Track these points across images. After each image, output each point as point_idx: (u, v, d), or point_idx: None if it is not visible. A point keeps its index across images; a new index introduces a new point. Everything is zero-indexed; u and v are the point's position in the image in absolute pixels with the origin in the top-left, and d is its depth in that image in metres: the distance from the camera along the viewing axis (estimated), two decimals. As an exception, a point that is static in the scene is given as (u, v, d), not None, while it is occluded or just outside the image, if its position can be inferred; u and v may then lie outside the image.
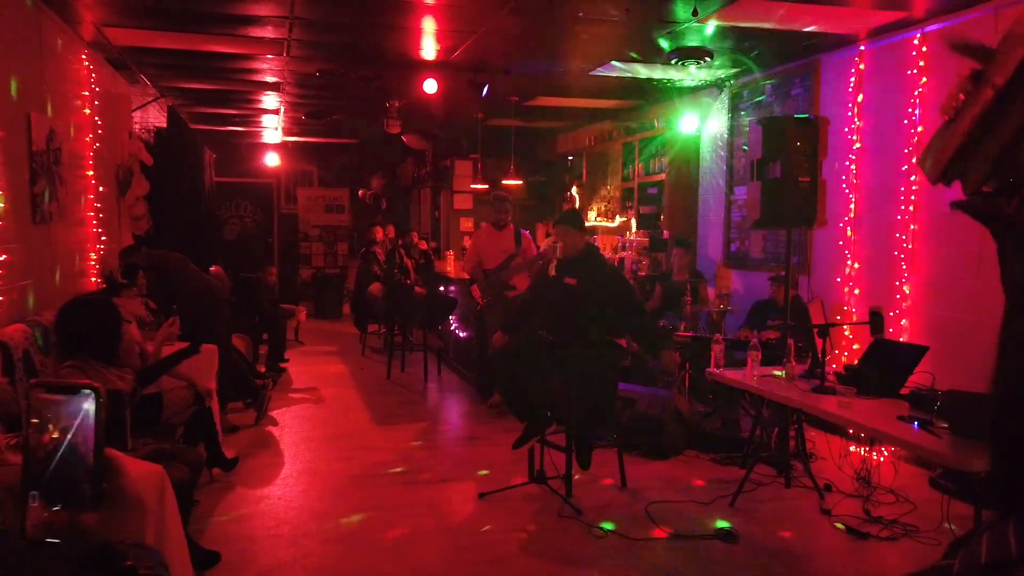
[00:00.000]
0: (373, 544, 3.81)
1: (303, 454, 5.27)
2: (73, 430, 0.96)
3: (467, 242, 9.02)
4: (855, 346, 5.48)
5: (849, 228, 5.68)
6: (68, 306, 3.47)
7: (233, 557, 3.58)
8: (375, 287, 9.13)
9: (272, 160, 12.42)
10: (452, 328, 8.20)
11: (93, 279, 5.60)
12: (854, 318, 5.54)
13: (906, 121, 5.17)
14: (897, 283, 5.21)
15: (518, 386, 4.46)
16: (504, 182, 8.96)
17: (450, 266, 9.39)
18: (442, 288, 8.39)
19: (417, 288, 8.55)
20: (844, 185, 5.64)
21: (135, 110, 7.18)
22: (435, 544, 3.81)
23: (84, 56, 5.53)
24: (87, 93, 5.58)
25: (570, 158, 10.37)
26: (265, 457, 5.15)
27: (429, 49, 5.82)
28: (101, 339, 3.36)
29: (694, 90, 7.49)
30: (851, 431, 4.79)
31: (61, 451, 0.96)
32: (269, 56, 6.08)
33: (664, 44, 5.58)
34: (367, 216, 12.27)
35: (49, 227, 4.61)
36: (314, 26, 5.21)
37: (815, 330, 3.96)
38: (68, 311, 3.41)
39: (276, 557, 3.64)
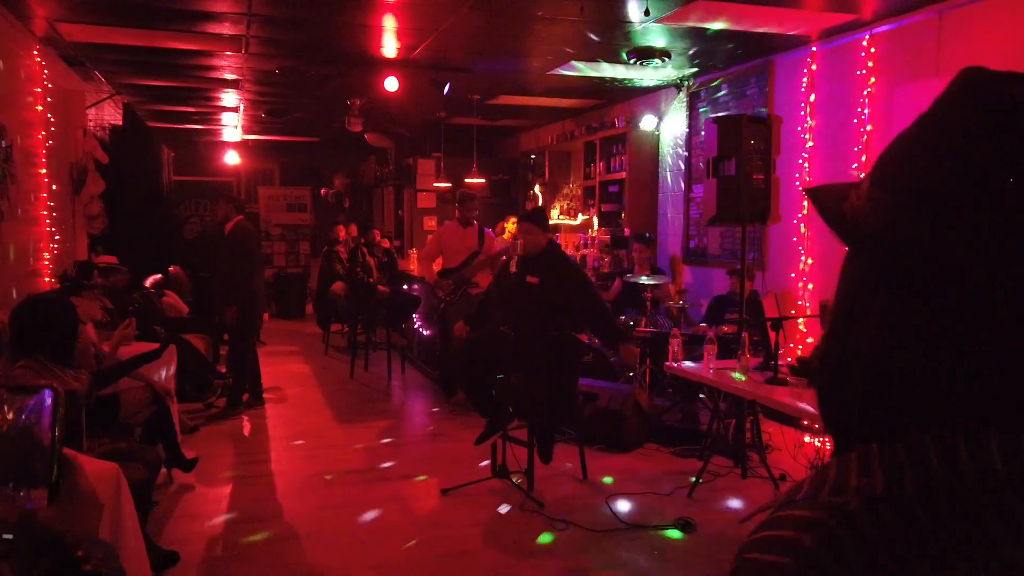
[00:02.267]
0: (336, 540, 3.81)
1: (265, 453, 5.24)
2: (28, 411, 0.97)
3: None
4: (809, 340, 5.63)
5: (803, 225, 5.83)
6: (23, 304, 3.42)
7: (192, 556, 3.56)
8: (338, 286, 9.09)
9: (232, 159, 12.26)
10: (416, 326, 8.20)
11: (47, 279, 5.50)
12: (808, 312, 5.69)
13: (856, 120, 5.32)
14: (848, 278, 5.35)
15: (480, 382, 4.50)
16: (467, 180, 8.98)
17: (414, 265, 9.37)
18: (405, 286, 8.39)
19: (380, 287, 8.53)
20: (797, 183, 5.78)
21: (90, 107, 7.05)
22: (398, 538, 3.83)
23: (36, 52, 5.42)
24: (39, 90, 5.48)
25: (532, 157, 10.43)
26: (225, 457, 5.11)
27: (390, 47, 5.82)
28: (56, 339, 3.31)
29: (654, 90, 7.60)
30: (805, 422, 4.92)
31: (15, 431, 0.97)
32: (228, 53, 6.02)
33: (621, 44, 5.67)
34: (330, 215, 12.19)
35: (0, 225, 4.52)
36: (273, 23, 5.18)
37: (768, 323, 4.06)
38: (23, 310, 3.36)
39: (237, 553, 3.63)
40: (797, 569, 0.49)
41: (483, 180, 9.55)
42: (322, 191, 13.12)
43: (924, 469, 0.50)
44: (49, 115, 5.60)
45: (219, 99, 8.43)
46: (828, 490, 0.53)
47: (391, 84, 6.37)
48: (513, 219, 8.18)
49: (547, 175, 9.84)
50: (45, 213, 5.55)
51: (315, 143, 12.30)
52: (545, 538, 3.85)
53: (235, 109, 9.13)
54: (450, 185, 9.43)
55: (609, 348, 5.36)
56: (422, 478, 4.71)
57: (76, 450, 3.01)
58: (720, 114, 6.26)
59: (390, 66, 6.33)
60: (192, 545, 3.68)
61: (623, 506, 4.21)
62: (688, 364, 4.50)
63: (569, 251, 8.56)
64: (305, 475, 4.77)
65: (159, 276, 8.03)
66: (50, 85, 5.64)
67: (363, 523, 4.02)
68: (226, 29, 5.25)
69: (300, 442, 5.50)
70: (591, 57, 6.15)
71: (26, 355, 3.25)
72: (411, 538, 3.83)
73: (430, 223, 11.03)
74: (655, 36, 5.49)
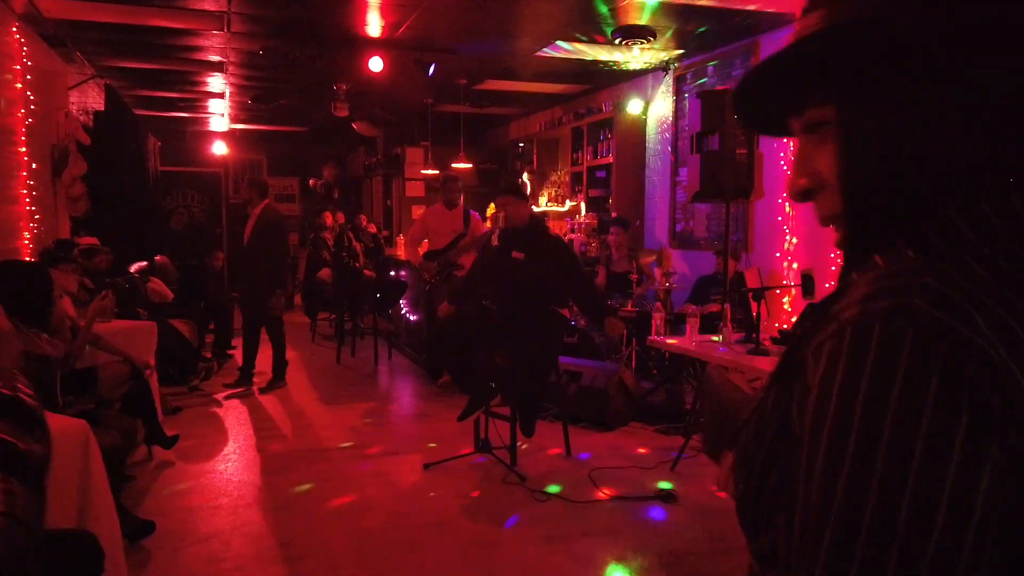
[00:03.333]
0: (315, 512, 3.78)
1: (246, 432, 5.20)
2: None
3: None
4: (793, 319, 5.61)
5: (788, 204, 5.82)
6: (-1, 267, 3.39)
7: (170, 527, 3.53)
8: (324, 272, 9.05)
9: (220, 148, 12.19)
10: (403, 312, 8.17)
11: (27, 259, 5.44)
12: (792, 292, 5.69)
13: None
14: (832, 255, 5.36)
15: (462, 358, 4.47)
16: (454, 165, 8.96)
17: (401, 251, 9.34)
18: (392, 272, 8.36)
19: (367, 272, 8.50)
20: (782, 161, 5.78)
21: (72, 88, 6.99)
22: (378, 511, 3.80)
23: (15, 29, 5.36)
24: (19, 67, 5.41)
25: (521, 145, 10.41)
26: (208, 436, 5.07)
27: (374, 25, 5.78)
28: (32, 302, 3.28)
29: (640, 73, 7.58)
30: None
31: None
32: (211, 32, 5.98)
33: (606, 22, 5.65)
34: (318, 206, 12.13)
35: (-23, 200, 4.47)
36: (254, -1, 5.14)
37: (749, 293, 4.05)
38: (-2, 272, 3.33)
39: (214, 526, 3.59)
40: (925, 300, 0.54)
41: (470, 165, 9.52)
42: (311, 182, 13.06)
43: (987, 223, 0.57)
44: (29, 93, 5.54)
45: (205, 83, 8.37)
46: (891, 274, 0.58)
47: (375, 64, 6.33)
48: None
49: (535, 162, 9.82)
50: (24, 192, 5.49)
51: (303, 133, 12.23)
52: (525, 509, 3.83)
53: (221, 95, 9.07)
54: (438, 172, 9.40)
55: (594, 323, 5.33)
56: (404, 455, 4.69)
57: (51, 409, 2.97)
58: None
59: (375, 46, 6.29)
60: (170, 518, 3.65)
61: (606, 479, 4.20)
62: (671, 339, 4.49)
63: (556, 237, 8.56)
64: (287, 453, 4.74)
65: (144, 263, 7.98)
66: (30, 63, 5.58)
67: (343, 497, 3.99)
68: (207, 4, 5.21)
69: (284, 423, 5.47)
70: (576, 36, 6.12)
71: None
72: (391, 511, 3.80)
73: (419, 212, 10.98)
74: (639, 13, 5.47)
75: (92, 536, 2.10)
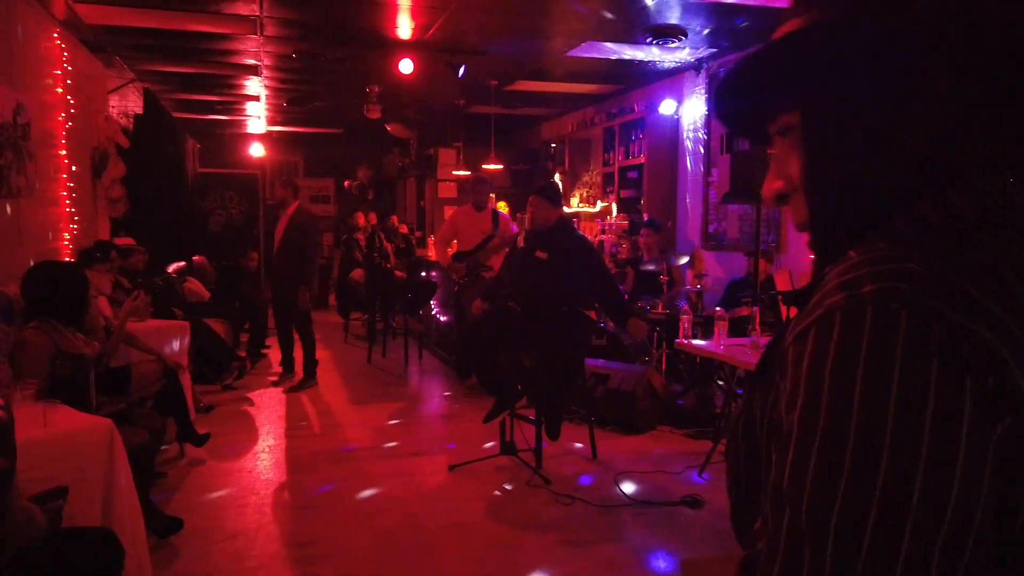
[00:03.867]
0: (339, 512, 3.81)
1: (276, 431, 5.27)
2: None
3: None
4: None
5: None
6: (35, 267, 3.50)
7: (198, 524, 3.58)
8: (357, 273, 9.13)
9: (257, 150, 12.37)
10: (433, 312, 8.20)
11: (67, 259, 5.58)
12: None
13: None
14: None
15: (488, 358, 4.46)
16: (484, 167, 8.97)
17: (432, 251, 9.38)
18: (423, 273, 8.39)
19: (397, 272, 8.55)
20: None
21: (112, 92, 7.15)
22: (400, 511, 3.81)
23: (56, 35, 5.50)
24: (59, 72, 5.55)
25: (553, 145, 10.38)
26: (238, 434, 5.14)
27: (404, 27, 5.81)
28: (67, 301, 3.36)
29: (673, 73, 7.50)
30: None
31: None
32: (245, 36, 6.06)
33: (637, 21, 5.59)
34: (353, 207, 12.24)
35: (18, 201, 4.59)
36: (286, 2, 5.19)
37: (779, 296, 3.97)
38: (35, 272, 3.43)
39: (241, 524, 3.64)
40: (913, 285, 0.52)
41: (501, 166, 9.52)
42: (345, 183, 13.19)
43: (980, 201, 0.56)
44: (69, 97, 5.68)
45: (241, 87, 8.50)
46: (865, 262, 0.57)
47: (406, 66, 6.36)
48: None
49: (567, 163, 9.78)
50: (64, 194, 5.63)
51: (338, 135, 12.36)
52: (549, 512, 3.81)
53: (256, 98, 9.20)
54: (469, 173, 9.42)
55: (617, 324, 5.27)
56: (430, 456, 4.70)
57: (86, 408, 3.04)
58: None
59: (405, 48, 6.32)
60: (198, 514, 3.71)
61: (631, 484, 4.15)
62: (699, 342, 4.42)
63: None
64: (315, 452, 4.79)
65: (183, 263, 8.13)
66: (70, 68, 5.72)
67: (367, 497, 4.01)
68: (240, 9, 5.28)
69: (313, 422, 5.53)
70: (606, 36, 6.08)
71: (38, 316, 3.30)
72: (414, 511, 3.81)
73: (451, 212, 11.03)
74: (671, 12, 5.41)
75: (113, 534, 2.13)
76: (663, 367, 6.02)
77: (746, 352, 3.99)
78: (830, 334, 0.54)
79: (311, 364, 6.65)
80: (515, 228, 6.63)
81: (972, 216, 0.56)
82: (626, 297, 5.86)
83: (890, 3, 0.57)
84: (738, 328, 4.80)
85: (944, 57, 0.55)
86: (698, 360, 5.61)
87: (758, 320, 4.12)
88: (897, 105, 0.57)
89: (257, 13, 5.36)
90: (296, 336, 6.63)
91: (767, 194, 0.70)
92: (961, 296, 0.53)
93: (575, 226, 5.42)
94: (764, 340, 4.10)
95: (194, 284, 7.93)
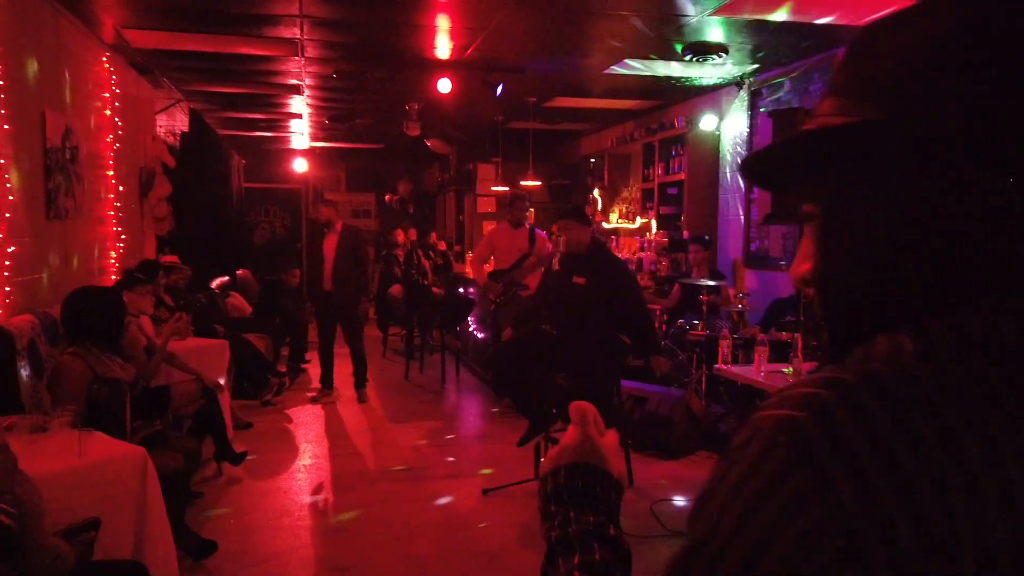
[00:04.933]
0: (372, 536, 3.80)
1: (313, 450, 5.29)
2: None
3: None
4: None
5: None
6: (73, 294, 3.56)
7: (232, 547, 3.60)
8: (395, 289, 9.18)
9: (300, 166, 12.58)
10: (470, 329, 8.19)
11: (113, 277, 5.71)
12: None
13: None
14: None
15: (522, 382, 4.42)
16: (522, 183, 8.96)
17: (470, 268, 9.39)
18: (461, 289, 8.39)
19: (435, 288, 8.56)
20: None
21: (159, 112, 7.33)
22: (432, 536, 3.79)
23: (105, 59, 5.66)
24: (107, 95, 5.71)
25: (592, 160, 10.33)
26: (276, 452, 5.18)
27: (442, 47, 5.84)
28: (103, 326, 3.42)
29: (714, 89, 7.40)
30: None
31: None
32: (287, 58, 6.16)
33: (676, 39, 5.52)
34: (394, 221, 12.35)
35: (65, 223, 4.71)
36: (326, 25, 5.26)
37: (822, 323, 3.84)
38: (73, 298, 3.50)
39: (274, 547, 3.65)
40: (813, 421, 0.47)
41: (539, 183, 9.50)
42: (386, 197, 13.32)
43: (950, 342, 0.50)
44: (117, 119, 5.83)
45: (285, 105, 8.65)
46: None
47: (444, 86, 6.39)
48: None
49: (606, 178, 9.71)
50: (112, 213, 5.78)
51: (380, 150, 12.50)
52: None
53: (299, 116, 9.35)
54: (508, 188, 9.42)
55: (641, 355, 5.14)
56: (464, 479, 4.66)
57: (120, 435, 3.09)
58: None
59: (443, 67, 6.35)
60: (232, 537, 3.73)
61: (668, 511, 4.06)
62: (739, 368, 4.32)
63: (626, 254, 8.42)
64: (350, 472, 4.80)
65: (226, 278, 8.28)
66: (118, 91, 5.87)
67: (401, 520, 4.00)
68: (282, 32, 5.37)
69: (350, 440, 5.55)
70: (645, 54, 6.02)
71: (76, 341, 3.36)
72: (446, 537, 3.79)
73: (490, 228, 11.05)
74: (711, 30, 5.33)
75: (143, 567, 2.14)
76: (703, 389, 5.91)
77: (787, 380, 3.88)
78: (736, 453, 0.52)
79: (362, 371, 6.88)
80: (550, 247, 6.60)
81: (980, 343, 0.50)
82: (662, 326, 5.76)
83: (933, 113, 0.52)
84: (780, 351, 4.68)
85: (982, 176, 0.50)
86: (739, 382, 5.49)
87: (800, 346, 4.00)
88: (921, 217, 0.53)
89: (298, 36, 5.44)
90: (341, 352, 6.76)
91: (795, 275, 0.66)
92: (867, 444, 0.45)
93: (609, 247, 5.36)
94: (806, 367, 3.98)
95: (237, 299, 8.06)
